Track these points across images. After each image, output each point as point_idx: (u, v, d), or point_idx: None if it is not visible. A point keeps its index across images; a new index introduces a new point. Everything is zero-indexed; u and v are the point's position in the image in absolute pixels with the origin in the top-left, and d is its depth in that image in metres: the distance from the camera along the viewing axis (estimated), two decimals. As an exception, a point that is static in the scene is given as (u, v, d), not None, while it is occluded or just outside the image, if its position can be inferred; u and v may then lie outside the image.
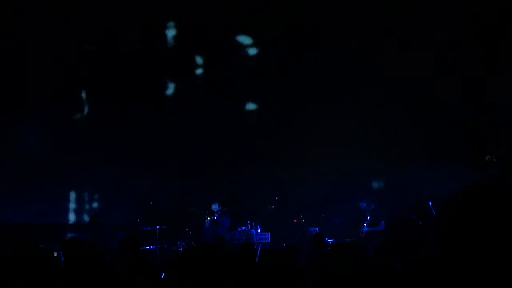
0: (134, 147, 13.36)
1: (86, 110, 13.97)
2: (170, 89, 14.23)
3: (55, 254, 5.75)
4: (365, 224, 11.34)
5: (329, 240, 11.07)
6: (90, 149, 13.28)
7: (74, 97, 13.87)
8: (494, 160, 10.05)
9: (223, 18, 13.16)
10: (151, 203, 12.57)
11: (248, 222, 11.71)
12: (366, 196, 11.74)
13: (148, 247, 11.29)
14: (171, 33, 13.86)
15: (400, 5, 12.03)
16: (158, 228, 11.68)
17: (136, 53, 13.36)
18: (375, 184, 13.56)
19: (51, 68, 12.93)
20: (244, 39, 13.97)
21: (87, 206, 13.62)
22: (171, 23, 13.76)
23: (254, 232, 11.56)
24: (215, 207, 12.00)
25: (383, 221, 11.24)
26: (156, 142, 13.48)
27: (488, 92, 11.34)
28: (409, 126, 12.46)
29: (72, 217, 13.80)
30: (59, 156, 13.15)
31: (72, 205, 13.82)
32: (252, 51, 13.98)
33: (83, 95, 14.02)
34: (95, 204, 13.66)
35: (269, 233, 11.65)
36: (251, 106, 14.28)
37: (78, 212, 13.89)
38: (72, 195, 13.87)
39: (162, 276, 5.51)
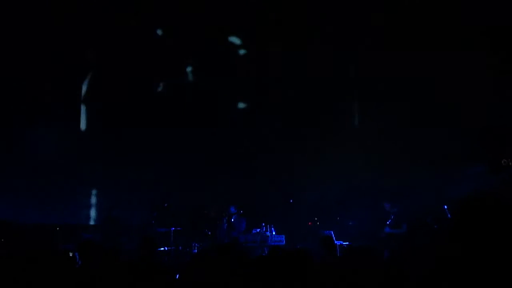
0: (149, 149, 13.42)
1: (101, 111, 14.06)
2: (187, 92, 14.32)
3: (71, 255, 5.82)
4: (387, 223, 11.24)
5: (344, 243, 11.03)
6: (106, 150, 13.38)
7: (91, 99, 14.00)
8: (510, 163, 9.98)
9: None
10: (165, 204, 12.60)
11: (263, 224, 11.69)
12: (391, 197, 11.59)
13: (163, 249, 11.33)
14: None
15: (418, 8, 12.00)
16: (173, 230, 11.72)
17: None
18: (393, 187, 13.46)
19: (68, 70, 13.07)
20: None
21: (102, 207, 13.67)
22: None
23: (269, 234, 11.54)
24: (232, 210, 12.03)
25: (405, 224, 11.12)
26: (172, 144, 13.52)
27: (505, 95, 11.25)
28: (424, 129, 12.38)
29: (87, 218, 13.89)
30: (75, 157, 13.26)
31: (87, 206, 13.91)
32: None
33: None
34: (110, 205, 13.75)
35: (283, 236, 11.61)
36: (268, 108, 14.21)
37: (94, 213, 13.98)
38: (88, 196, 13.96)
39: (177, 277, 5.54)
